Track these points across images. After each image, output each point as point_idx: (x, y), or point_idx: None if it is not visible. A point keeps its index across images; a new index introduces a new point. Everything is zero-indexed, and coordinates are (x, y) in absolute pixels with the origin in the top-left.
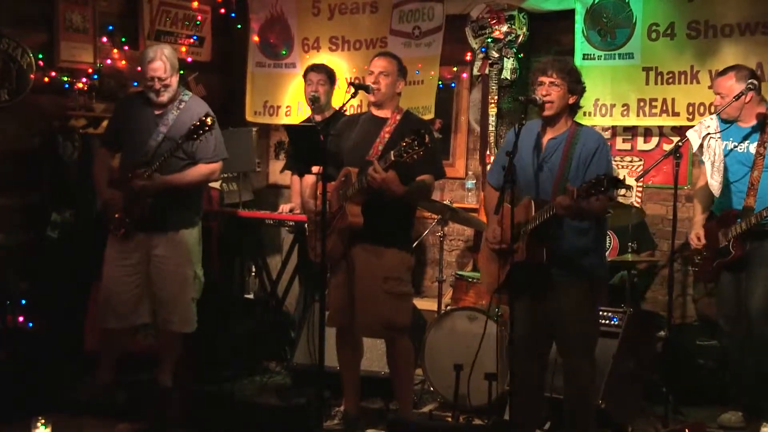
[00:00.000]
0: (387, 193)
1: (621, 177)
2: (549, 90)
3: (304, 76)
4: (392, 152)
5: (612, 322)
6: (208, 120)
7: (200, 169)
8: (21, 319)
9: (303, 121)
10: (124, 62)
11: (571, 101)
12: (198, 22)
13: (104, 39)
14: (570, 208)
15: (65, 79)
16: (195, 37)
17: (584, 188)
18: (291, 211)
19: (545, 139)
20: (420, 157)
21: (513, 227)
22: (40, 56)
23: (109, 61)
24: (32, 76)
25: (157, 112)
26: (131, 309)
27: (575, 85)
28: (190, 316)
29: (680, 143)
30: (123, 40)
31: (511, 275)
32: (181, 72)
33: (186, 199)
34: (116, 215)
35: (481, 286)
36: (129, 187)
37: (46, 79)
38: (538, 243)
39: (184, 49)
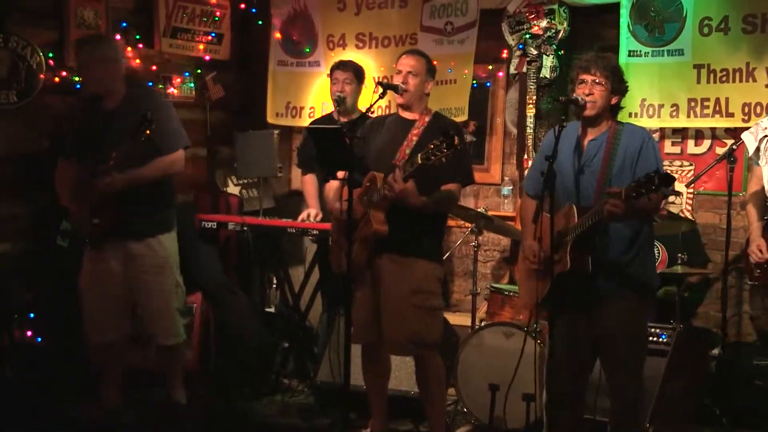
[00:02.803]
0: (405, 204)
1: None
2: (592, 89)
3: (330, 74)
4: (419, 155)
5: (661, 340)
6: (148, 114)
7: (161, 162)
8: (29, 333)
9: (322, 117)
10: (138, 61)
11: (613, 101)
12: (216, 19)
13: (117, 36)
14: (619, 211)
15: (76, 79)
16: (213, 34)
17: (632, 187)
18: (314, 218)
19: (585, 141)
20: (448, 159)
21: (553, 237)
22: (51, 55)
23: None
24: (42, 76)
25: (106, 110)
26: (113, 322)
27: (618, 84)
28: (175, 327)
29: (735, 146)
30: (137, 37)
31: (553, 288)
32: (199, 71)
33: (157, 200)
34: (84, 227)
35: (519, 300)
36: (91, 194)
37: (57, 79)
38: (582, 252)
39: (201, 46)
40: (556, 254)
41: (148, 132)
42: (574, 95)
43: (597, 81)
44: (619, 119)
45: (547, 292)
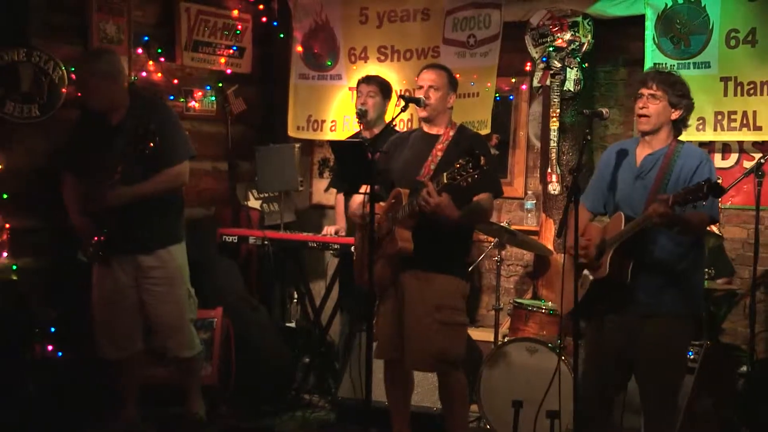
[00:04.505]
0: (441, 217)
1: None
2: (647, 103)
3: (356, 87)
4: (444, 174)
5: (688, 356)
6: (151, 126)
7: (167, 174)
8: (50, 348)
9: (351, 137)
10: (159, 74)
11: (674, 116)
12: (238, 32)
13: (139, 50)
14: (665, 215)
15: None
16: (235, 48)
17: (681, 194)
18: (336, 233)
19: (641, 155)
20: (475, 180)
21: (576, 244)
22: (73, 69)
23: (144, 74)
24: (64, 90)
25: (110, 124)
26: (127, 337)
27: (679, 99)
28: (189, 338)
29: (763, 160)
30: (159, 51)
31: (589, 294)
32: (220, 84)
33: (166, 211)
34: (90, 241)
35: (542, 314)
36: (97, 210)
37: (79, 94)
38: (624, 259)
39: (223, 60)
40: (598, 260)
41: (152, 145)
42: (599, 109)
43: (654, 95)
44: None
45: (582, 297)
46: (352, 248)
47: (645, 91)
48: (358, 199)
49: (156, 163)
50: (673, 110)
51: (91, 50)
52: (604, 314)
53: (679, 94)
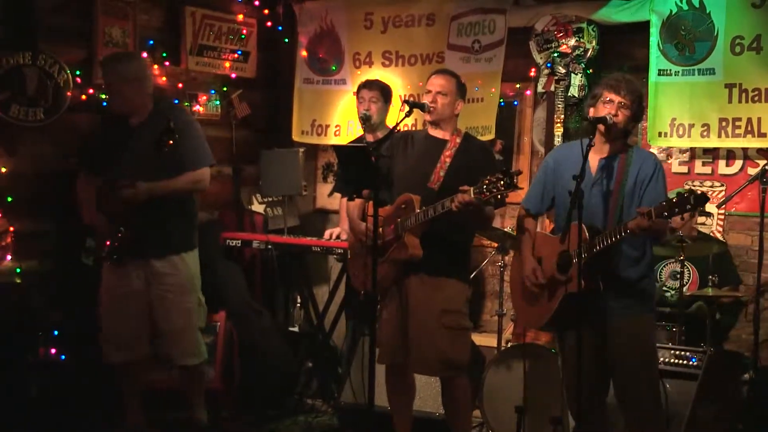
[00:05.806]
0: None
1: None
2: (617, 111)
3: (357, 93)
4: (473, 189)
5: (691, 363)
6: (171, 124)
7: (186, 177)
8: (53, 351)
9: (354, 141)
10: (164, 78)
11: (630, 127)
12: (243, 36)
13: (144, 54)
14: (648, 229)
15: (103, 96)
16: (239, 52)
17: (666, 207)
18: (338, 237)
19: (594, 160)
20: (503, 197)
21: (560, 257)
22: (78, 73)
23: None
24: (69, 93)
25: (131, 125)
26: (133, 340)
27: (640, 112)
28: (195, 346)
29: (767, 167)
30: (164, 55)
31: (562, 308)
32: (225, 89)
33: (181, 218)
34: (105, 241)
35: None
36: (113, 207)
37: (84, 97)
38: (594, 271)
39: (227, 64)
40: (563, 274)
41: (171, 143)
42: (603, 115)
43: (623, 104)
44: (649, 139)
45: (554, 312)
46: (349, 253)
47: (616, 98)
48: (357, 201)
49: (178, 166)
50: (632, 122)
51: (119, 53)
52: (579, 324)
53: (641, 107)
